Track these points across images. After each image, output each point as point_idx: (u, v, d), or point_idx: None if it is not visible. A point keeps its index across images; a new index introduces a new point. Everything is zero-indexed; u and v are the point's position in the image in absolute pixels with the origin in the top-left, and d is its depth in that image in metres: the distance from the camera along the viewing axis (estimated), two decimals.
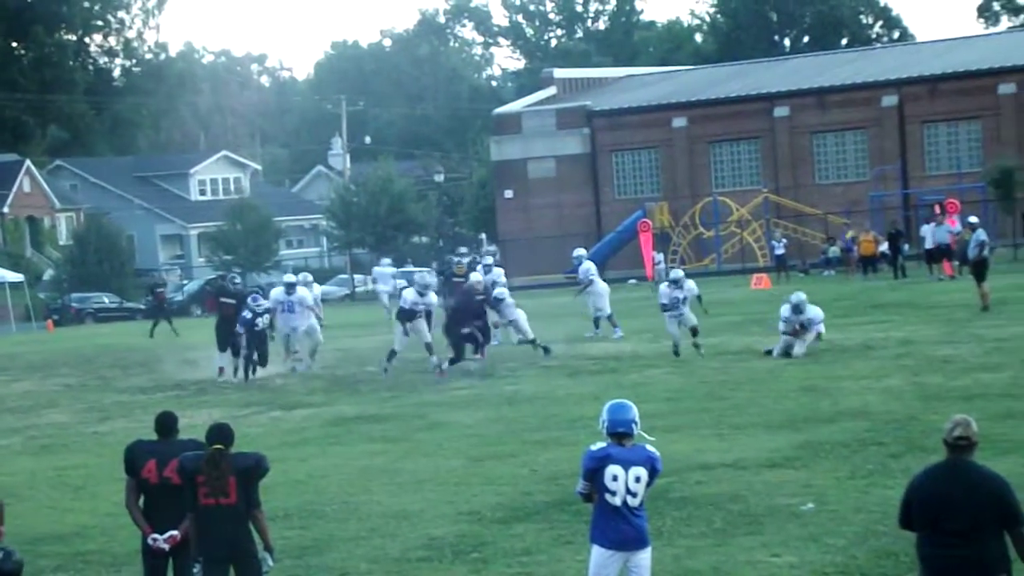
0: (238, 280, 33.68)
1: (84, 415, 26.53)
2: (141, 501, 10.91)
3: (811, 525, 13.57)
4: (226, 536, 10.17)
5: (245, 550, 10.26)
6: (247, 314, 28.76)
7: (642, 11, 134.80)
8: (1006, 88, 62.90)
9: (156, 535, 10.75)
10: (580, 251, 36.72)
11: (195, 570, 10.54)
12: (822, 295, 39.93)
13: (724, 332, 31.25)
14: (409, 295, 28.81)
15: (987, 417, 17.30)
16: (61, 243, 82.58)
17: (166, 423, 11.08)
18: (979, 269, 32.99)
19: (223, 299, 30.58)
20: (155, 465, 10.78)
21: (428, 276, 31.55)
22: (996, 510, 8.54)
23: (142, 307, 62.60)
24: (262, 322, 28.82)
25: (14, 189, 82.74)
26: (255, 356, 29.04)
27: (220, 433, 10.33)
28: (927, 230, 47.48)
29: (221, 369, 29.96)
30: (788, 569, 12.16)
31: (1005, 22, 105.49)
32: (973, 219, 36.21)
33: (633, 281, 58.74)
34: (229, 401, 26.65)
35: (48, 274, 77.52)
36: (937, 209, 48.96)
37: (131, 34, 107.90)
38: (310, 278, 33.17)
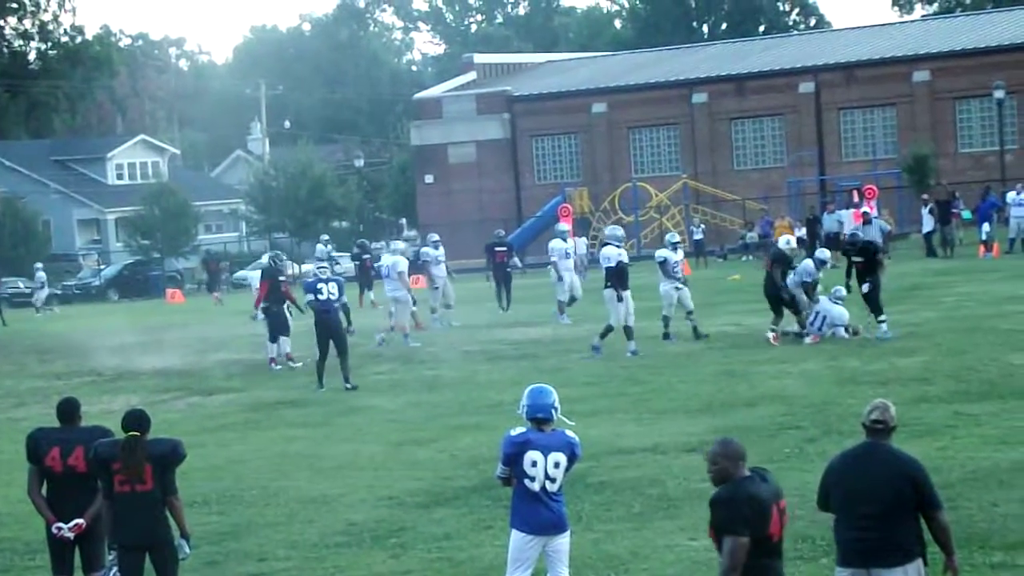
0: (285, 258, 30.71)
1: None
2: (45, 489, 10.77)
3: None
4: (142, 523, 10.06)
5: (161, 537, 10.17)
6: (310, 279, 25.20)
7: None
8: (920, 75, 63.52)
9: (61, 524, 10.62)
10: (564, 226, 36.19)
11: (110, 557, 10.45)
12: (742, 280, 40.21)
13: (644, 317, 31.33)
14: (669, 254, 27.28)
15: (902, 401, 17.48)
16: None
17: (68, 410, 10.92)
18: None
19: (281, 279, 27.90)
20: (59, 453, 10.64)
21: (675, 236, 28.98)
22: (912, 493, 8.62)
23: None
24: (328, 290, 24.29)
25: None
26: (333, 344, 24.25)
27: (136, 419, 10.21)
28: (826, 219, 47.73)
29: (273, 360, 27.65)
30: (706, 552, 12.21)
31: (919, 10, 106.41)
32: (866, 209, 36.39)
33: None
34: (147, 387, 26.46)
35: None
36: (855, 196, 49.34)
37: (46, 16, 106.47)
38: (401, 246, 31.35)
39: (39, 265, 58.38)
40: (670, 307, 27.13)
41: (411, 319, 30.60)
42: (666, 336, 27.02)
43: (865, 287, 25.67)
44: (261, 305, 28.02)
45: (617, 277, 25.72)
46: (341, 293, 24.63)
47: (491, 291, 37.17)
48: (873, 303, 25.65)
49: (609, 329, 25.75)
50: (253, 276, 29.13)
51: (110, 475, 10.09)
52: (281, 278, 27.85)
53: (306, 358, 27.09)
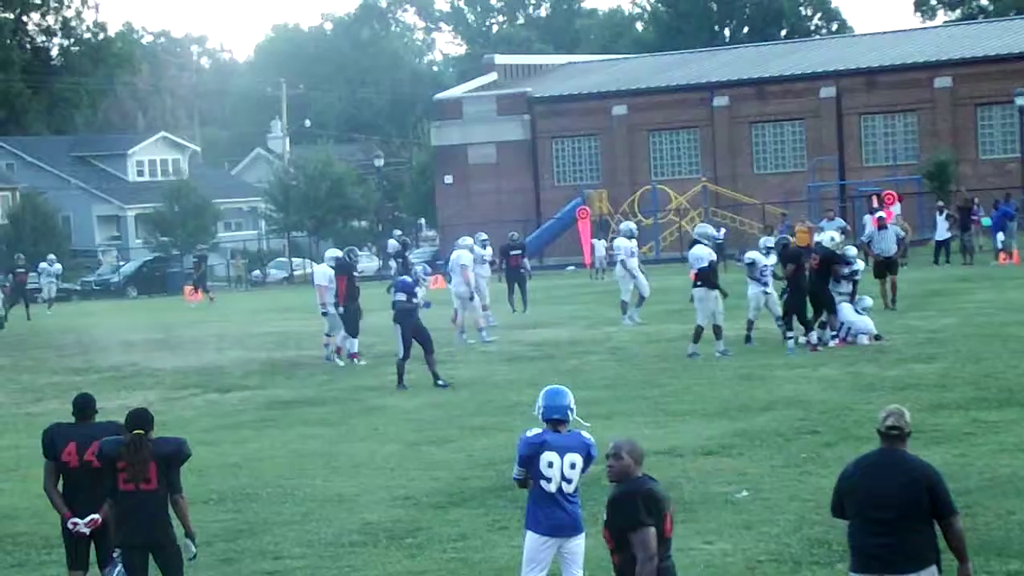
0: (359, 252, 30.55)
1: (17, 396, 26.30)
2: (60, 484, 10.78)
3: (745, 513, 13.63)
4: (146, 522, 10.03)
5: (164, 537, 10.13)
6: (406, 279, 24.50)
7: None
8: (942, 82, 63.32)
9: (76, 519, 10.63)
10: (631, 224, 35.18)
11: (115, 555, 10.44)
12: None
13: (662, 320, 31.37)
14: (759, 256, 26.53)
15: (919, 407, 17.46)
16: None
17: (84, 406, 10.94)
18: (895, 266, 32.63)
19: (355, 274, 27.63)
20: (75, 448, 10.66)
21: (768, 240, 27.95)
22: (927, 500, 8.60)
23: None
24: (422, 293, 24.05)
25: None
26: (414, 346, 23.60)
27: (139, 418, 10.18)
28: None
29: (354, 355, 27.25)
30: (722, 557, 12.21)
31: (942, 16, 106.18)
32: (881, 214, 36.16)
33: (571, 268, 58.84)
34: (164, 383, 26.49)
35: None
36: (875, 201, 49.18)
37: (69, 13, 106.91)
38: (468, 241, 31.48)
39: (52, 257, 57.61)
40: (756, 311, 26.48)
41: (476, 312, 30.33)
42: (748, 340, 26.46)
43: (784, 297, 25.28)
44: (330, 301, 27.57)
45: (709, 276, 25.45)
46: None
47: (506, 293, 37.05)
48: (790, 314, 25.20)
49: (699, 330, 25.37)
50: (320, 271, 28.74)
51: (115, 473, 10.09)
52: (355, 273, 27.70)
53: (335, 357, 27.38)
